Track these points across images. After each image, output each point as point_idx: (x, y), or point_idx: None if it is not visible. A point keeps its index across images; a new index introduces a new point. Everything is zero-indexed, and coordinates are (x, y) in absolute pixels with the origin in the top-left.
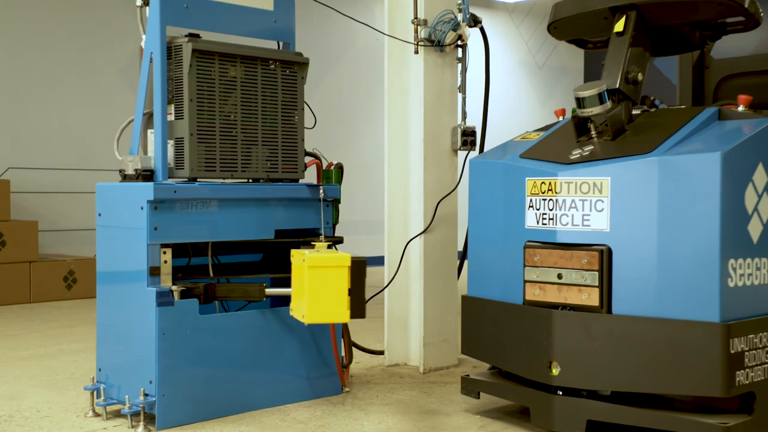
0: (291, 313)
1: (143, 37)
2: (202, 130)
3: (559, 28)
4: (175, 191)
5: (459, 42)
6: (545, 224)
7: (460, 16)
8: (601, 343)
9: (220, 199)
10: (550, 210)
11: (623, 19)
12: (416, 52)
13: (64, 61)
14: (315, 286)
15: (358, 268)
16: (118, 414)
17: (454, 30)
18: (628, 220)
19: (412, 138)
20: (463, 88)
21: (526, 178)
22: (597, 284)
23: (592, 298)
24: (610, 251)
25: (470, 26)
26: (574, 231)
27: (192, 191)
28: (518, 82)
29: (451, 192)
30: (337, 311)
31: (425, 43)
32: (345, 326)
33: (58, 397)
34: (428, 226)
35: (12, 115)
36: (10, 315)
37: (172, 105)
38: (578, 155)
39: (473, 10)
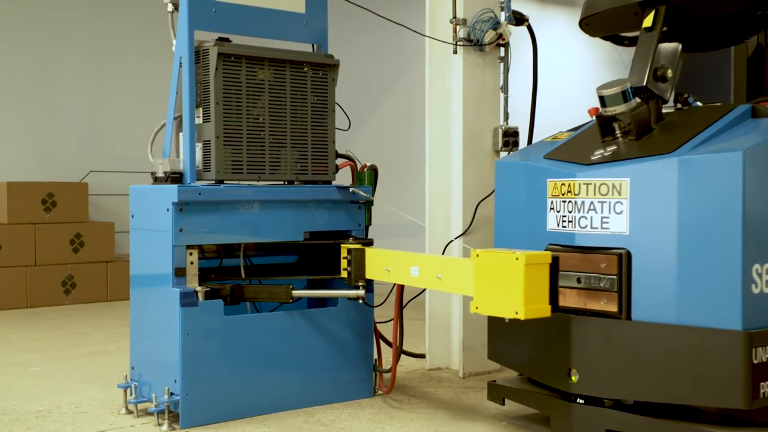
0: (474, 311)
1: (174, 42)
2: (228, 133)
3: (591, 24)
4: (199, 193)
5: (500, 41)
6: (565, 227)
7: (502, 15)
8: (620, 351)
9: (245, 201)
10: (569, 212)
11: (652, 14)
12: (455, 52)
13: (144, 65)
14: (528, 282)
15: (555, 264)
16: (148, 412)
17: (494, 29)
18: (647, 222)
19: (454, 139)
20: (505, 88)
21: (548, 180)
22: (615, 289)
23: (610, 303)
24: (629, 255)
25: (514, 25)
26: (592, 234)
27: (217, 193)
28: (603, 80)
29: (491, 193)
30: (542, 306)
31: (464, 43)
32: (376, 330)
33: (99, 394)
34: (468, 228)
35: (93, 119)
36: (86, 313)
37: (200, 108)
38: (599, 156)
39: (552, 8)
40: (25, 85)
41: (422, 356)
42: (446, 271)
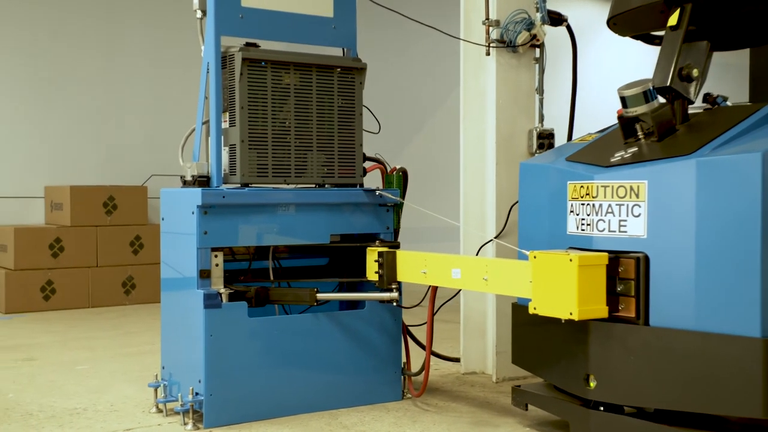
0: (533, 312)
1: (202, 47)
2: (253, 137)
3: (618, 23)
4: (223, 197)
5: (535, 42)
6: (583, 230)
7: (537, 16)
8: (637, 357)
9: (270, 205)
10: (588, 215)
11: (677, 12)
12: (487, 53)
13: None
14: (582, 283)
15: (612, 265)
16: (175, 411)
17: (528, 30)
18: (665, 226)
19: (488, 142)
20: (540, 90)
21: (568, 182)
22: (632, 294)
23: (628, 308)
24: (647, 259)
25: (551, 25)
26: (610, 237)
27: (241, 197)
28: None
29: None
30: (598, 308)
31: (497, 45)
32: (405, 331)
33: (136, 393)
34: (501, 231)
35: (156, 125)
36: (143, 313)
37: (227, 113)
38: (619, 158)
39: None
40: (90, 93)
41: (457, 360)
42: (494, 273)
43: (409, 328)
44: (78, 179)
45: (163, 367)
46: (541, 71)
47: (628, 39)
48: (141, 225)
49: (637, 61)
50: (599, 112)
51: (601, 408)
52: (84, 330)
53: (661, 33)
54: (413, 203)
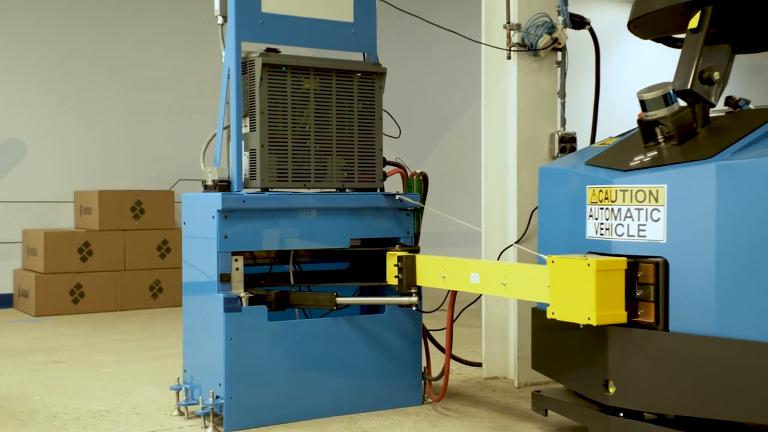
0: (551, 317)
1: (223, 53)
2: (273, 142)
3: (639, 26)
4: (243, 201)
5: (556, 45)
6: (602, 235)
7: (559, 19)
8: (657, 363)
9: (290, 209)
10: (607, 220)
11: (698, 15)
12: (509, 57)
13: None
14: (600, 288)
15: (631, 270)
16: (196, 414)
17: (549, 33)
18: (685, 230)
19: (509, 146)
20: (562, 93)
21: (587, 186)
22: (652, 299)
23: (647, 314)
24: (666, 264)
25: (572, 28)
26: (629, 242)
27: (261, 201)
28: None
29: None
30: (617, 313)
31: (518, 48)
32: (426, 335)
33: (159, 396)
34: (522, 236)
35: (182, 129)
36: (170, 316)
37: (247, 118)
38: (638, 162)
39: None
40: (119, 99)
41: (479, 365)
42: (512, 278)
43: (430, 332)
44: (107, 184)
45: (185, 371)
46: (563, 75)
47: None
48: (168, 229)
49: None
50: (630, 114)
51: (621, 414)
52: (111, 333)
53: (683, 36)
54: (437, 207)
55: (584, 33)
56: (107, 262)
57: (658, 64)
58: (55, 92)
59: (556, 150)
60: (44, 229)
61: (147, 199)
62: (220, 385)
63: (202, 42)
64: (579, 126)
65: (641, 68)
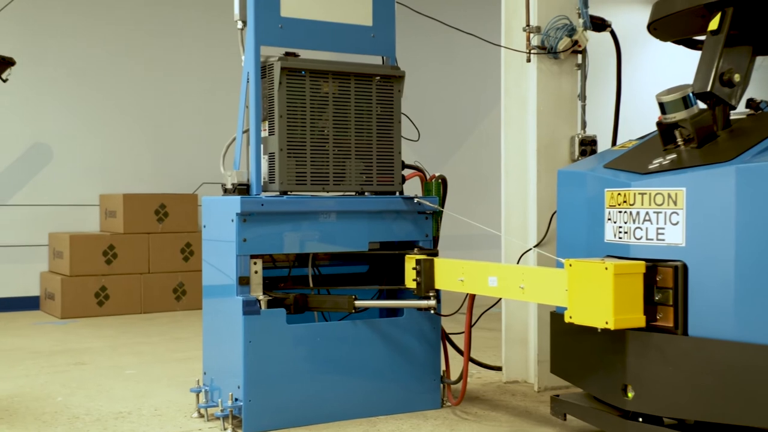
0: (569, 320)
1: (243, 58)
2: (292, 145)
3: (659, 29)
4: (262, 204)
5: (576, 48)
6: (620, 238)
7: (579, 21)
8: (676, 367)
9: (308, 212)
10: (625, 223)
11: (718, 16)
12: (528, 60)
13: None
14: (618, 292)
15: (650, 274)
16: (215, 416)
17: (569, 36)
18: (704, 234)
19: (530, 149)
20: (582, 96)
21: (605, 190)
22: (671, 303)
23: (666, 318)
24: (685, 268)
25: (593, 31)
26: (647, 246)
27: (279, 204)
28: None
29: None
30: (635, 317)
31: (537, 51)
32: (445, 338)
33: (180, 398)
34: (542, 239)
35: (205, 133)
36: (193, 319)
37: (266, 122)
38: (657, 165)
39: None
40: (142, 104)
41: (498, 369)
42: (530, 281)
43: (450, 335)
44: (131, 187)
45: (205, 373)
46: (584, 77)
47: None
48: (191, 232)
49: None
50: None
51: (640, 419)
52: (134, 335)
53: (703, 37)
54: (458, 210)
55: (605, 35)
56: (131, 264)
57: (681, 66)
58: (80, 98)
59: (576, 153)
60: (70, 232)
61: (171, 203)
62: (239, 387)
63: (227, 47)
64: (600, 129)
65: (664, 70)
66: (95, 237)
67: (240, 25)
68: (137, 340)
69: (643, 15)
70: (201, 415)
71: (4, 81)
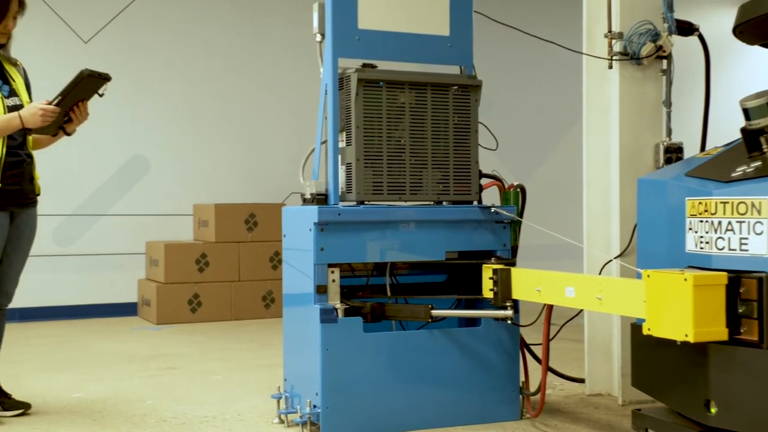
0: (647, 333)
1: (321, 70)
2: (368, 156)
3: (745, 32)
4: (339, 214)
5: (661, 53)
6: (702, 248)
7: (664, 26)
8: (761, 383)
9: (384, 222)
10: (706, 233)
11: None
12: (610, 66)
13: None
14: (698, 304)
15: (733, 286)
16: (294, 422)
17: (653, 41)
18: None
19: (612, 157)
20: (668, 102)
21: (686, 198)
22: (755, 316)
23: (750, 331)
24: None
25: (679, 35)
26: (730, 256)
27: (356, 214)
28: None
29: None
30: (717, 330)
31: (619, 57)
32: (525, 347)
33: (262, 403)
34: (625, 250)
35: (294, 144)
36: (280, 326)
37: (344, 132)
38: (740, 173)
39: None
40: (235, 117)
41: (582, 381)
42: (608, 292)
43: (531, 346)
44: (223, 197)
45: (286, 379)
46: (669, 83)
47: None
48: (280, 241)
49: None
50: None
51: None
52: (224, 341)
53: None
54: (542, 220)
55: (691, 39)
56: (223, 272)
57: None
58: (176, 112)
59: (661, 161)
60: (165, 241)
61: (260, 212)
62: (317, 394)
63: (313, 62)
64: (686, 136)
65: (756, 75)
66: (188, 246)
67: (318, 38)
68: (226, 346)
69: (730, 17)
70: (281, 421)
71: (101, 96)
